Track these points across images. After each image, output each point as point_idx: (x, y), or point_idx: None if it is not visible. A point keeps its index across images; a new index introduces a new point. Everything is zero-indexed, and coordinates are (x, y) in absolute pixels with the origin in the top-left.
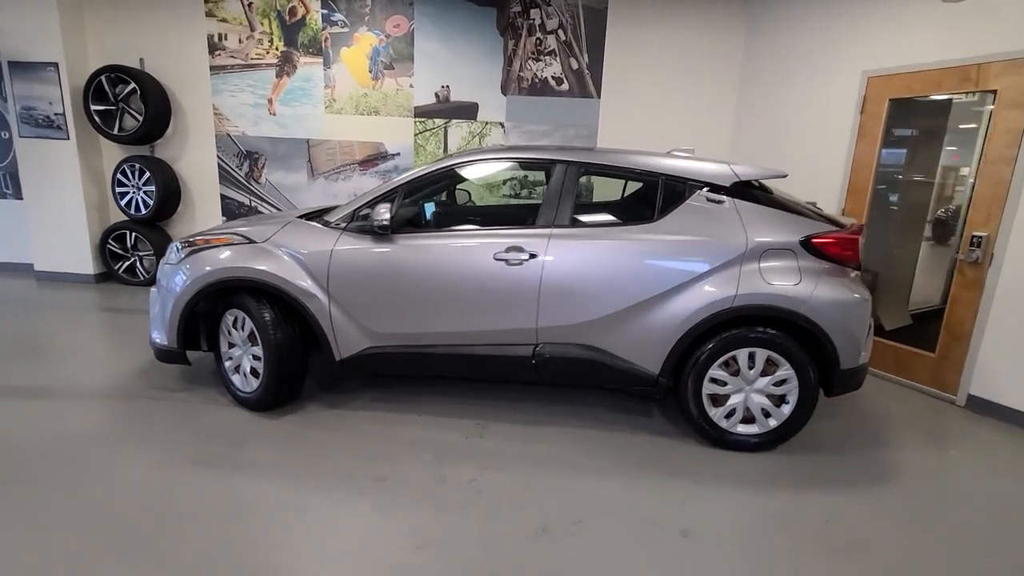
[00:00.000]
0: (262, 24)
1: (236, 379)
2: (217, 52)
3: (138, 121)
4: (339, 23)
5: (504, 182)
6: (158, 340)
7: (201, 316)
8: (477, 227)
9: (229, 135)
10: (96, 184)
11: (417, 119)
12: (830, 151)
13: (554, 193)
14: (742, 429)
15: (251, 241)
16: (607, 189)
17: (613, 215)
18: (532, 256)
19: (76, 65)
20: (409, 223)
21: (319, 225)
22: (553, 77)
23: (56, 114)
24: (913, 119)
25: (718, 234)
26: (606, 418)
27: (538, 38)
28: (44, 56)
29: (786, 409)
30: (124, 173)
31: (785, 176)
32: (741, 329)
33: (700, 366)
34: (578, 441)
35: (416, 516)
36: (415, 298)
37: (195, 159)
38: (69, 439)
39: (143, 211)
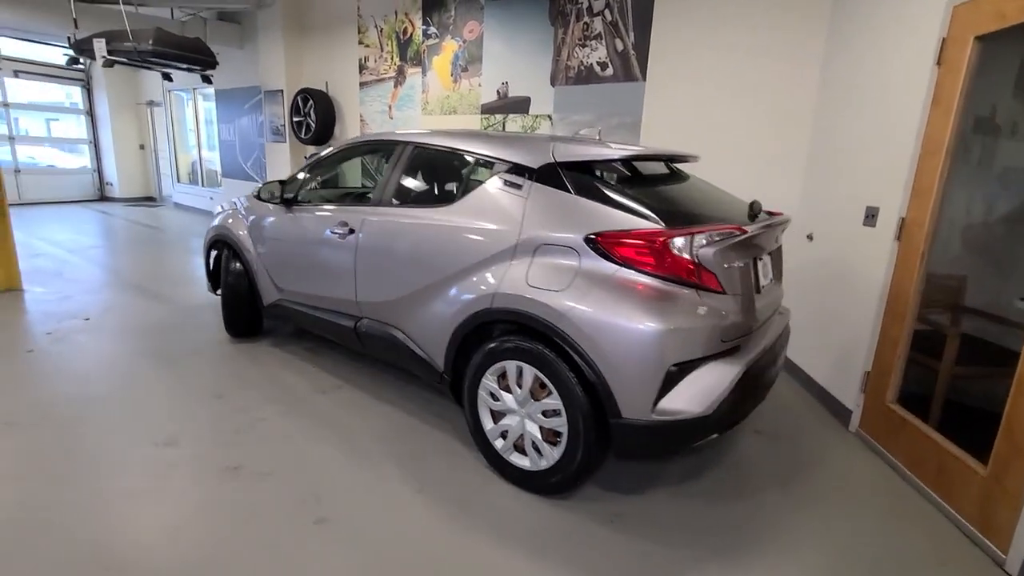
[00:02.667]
0: (387, 45)
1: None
2: (363, 71)
3: (312, 128)
4: (432, 35)
5: (382, 163)
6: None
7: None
8: (335, 203)
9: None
10: None
11: (483, 116)
12: (892, 132)
13: (386, 173)
14: (515, 459)
15: (237, 210)
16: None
17: (428, 196)
18: (351, 231)
19: (290, 90)
20: (305, 198)
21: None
22: (598, 62)
23: (280, 125)
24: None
25: (497, 222)
26: (434, 408)
27: (585, 22)
28: (276, 85)
29: (555, 451)
30: None
31: (670, 160)
32: (512, 336)
33: (475, 371)
34: (383, 421)
35: (209, 427)
36: (291, 260)
37: None
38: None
39: None
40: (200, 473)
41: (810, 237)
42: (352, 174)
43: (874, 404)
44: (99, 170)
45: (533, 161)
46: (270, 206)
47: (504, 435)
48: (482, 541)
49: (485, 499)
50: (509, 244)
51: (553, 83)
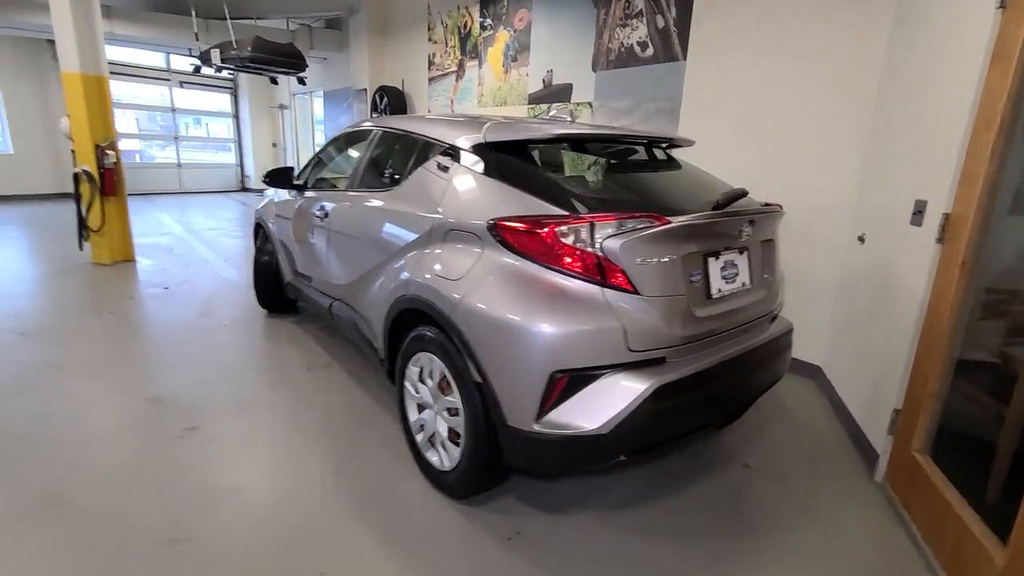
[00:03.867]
0: (450, 40)
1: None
2: (431, 67)
3: None
4: (488, 27)
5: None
6: None
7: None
8: (325, 189)
9: None
10: None
11: (529, 106)
12: (946, 100)
13: (358, 159)
14: (430, 455)
15: (272, 197)
16: None
17: (380, 180)
18: (326, 215)
19: (372, 89)
20: (311, 184)
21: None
22: (638, 42)
23: None
24: None
25: (421, 207)
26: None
27: (626, 0)
28: (362, 84)
29: (455, 452)
30: None
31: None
32: (425, 326)
33: (402, 360)
34: (345, 402)
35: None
36: (294, 242)
37: None
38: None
39: None
40: (160, 430)
41: (861, 239)
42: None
43: (900, 451)
44: (241, 165)
45: (464, 141)
46: (287, 193)
47: (423, 428)
48: (366, 530)
49: (395, 491)
50: (426, 229)
51: (594, 68)
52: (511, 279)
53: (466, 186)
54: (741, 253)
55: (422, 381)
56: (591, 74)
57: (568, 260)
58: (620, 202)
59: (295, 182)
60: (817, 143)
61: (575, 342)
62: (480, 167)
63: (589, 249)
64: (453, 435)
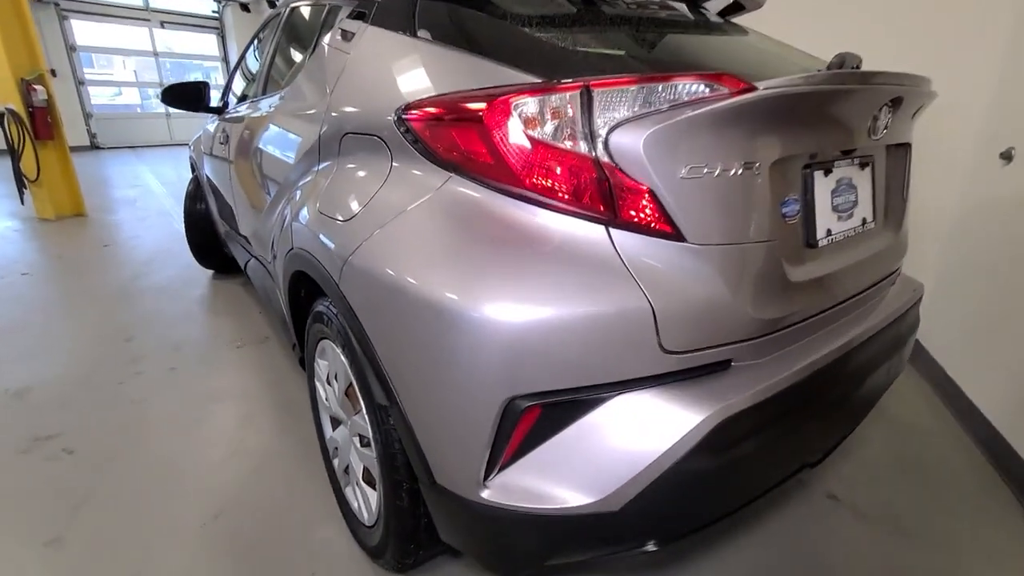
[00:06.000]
0: None
1: None
2: None
3: None
4: None
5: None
6: None
7: None
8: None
9: None
10: None
11: None
12: None
13: (266, 54)
14: (349, 494)
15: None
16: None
17: (279, 77)
18: (227, 139)
19: None
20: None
21: None
22: None
23: None
24: None
25: (310, 103)
26: None
27: None
28: None
29: (373, 500)
30: None
31: None
32: (323, 298)
33: (310, 347)
34: (268, 395)
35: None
36: (211, 182)
37: None
38: None
39: None
40: (3, 438)
41: (1008, 156)
42: None
43: None
44: None
45: None
46: (214, 119)
47: (338, 452)
48: None
49: (304, 542)
50: (313, 139)
51: None
52: (436, 218)
53: (372, 57)
54: (863, 168)
55: (330, 383)
56: None
57: (542, 173)
58: (649, 64)
59: (213, 105)
60: (940, 23)
61: (556, 340)
62: (399, 23)
63: (583, 149)
64: (368, 476)
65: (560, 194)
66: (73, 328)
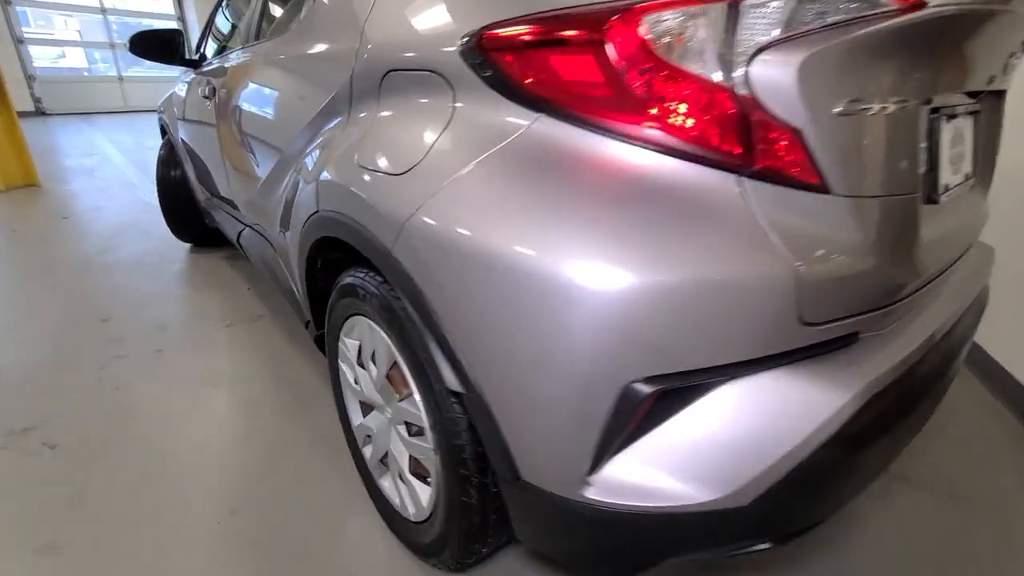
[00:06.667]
0: None
1: None
2: None
3: None
4: None
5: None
6: None
7: None
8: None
9: None
10: None
11: None
12: None
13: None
14: (386, 484)
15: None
16: None
17: (283, 18)
18: (213, 93)
19: None
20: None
21: None
22: None
23: None
24: None
25: (333, 39)
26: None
27: None
28: None
29: (424, 494)
30: None
31: None
32: (358, 268)
33: (332, 324)
34: (264, 366)
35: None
36: (196, 144)
37: None
38: None
39: None
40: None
41: None
42: None
43: None
44: None
45: None
46: (189, 73)
47: (371, 440)
48: None
49: (333, 540)
50: (342, 81)
51: None
52: (525, 168)
53: None
54: (973, 115)
55: (362, 365)
56: None
57: (668, 110)
58: None
59: (189, 57)
60: None
61: (683, 313)
62: None
63: (721, 78)
64: (418, 467)
65: (690, 134)
66: (40, 308)
